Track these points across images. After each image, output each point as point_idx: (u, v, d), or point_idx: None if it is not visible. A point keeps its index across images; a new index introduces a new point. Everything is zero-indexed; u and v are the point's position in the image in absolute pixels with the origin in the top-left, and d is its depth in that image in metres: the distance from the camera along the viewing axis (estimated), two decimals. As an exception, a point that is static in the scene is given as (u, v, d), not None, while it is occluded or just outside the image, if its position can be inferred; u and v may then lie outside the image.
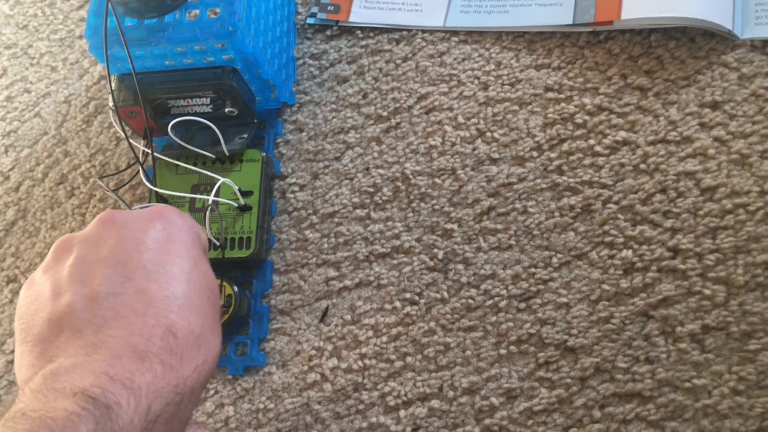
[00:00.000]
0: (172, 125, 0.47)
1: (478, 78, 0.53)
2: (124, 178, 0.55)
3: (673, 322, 0.44)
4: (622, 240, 0.46)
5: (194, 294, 0.32)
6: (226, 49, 0.46)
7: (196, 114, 0.50)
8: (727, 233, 0.45)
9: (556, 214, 0.48)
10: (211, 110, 0.50)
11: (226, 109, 0.49)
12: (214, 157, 0.51)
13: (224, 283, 0.47)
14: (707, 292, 0.44)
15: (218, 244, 0.48)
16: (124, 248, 0.32)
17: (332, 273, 0.49)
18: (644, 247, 0.46)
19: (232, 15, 0.45)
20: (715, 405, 0.42)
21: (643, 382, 0.43)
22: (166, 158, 0.50)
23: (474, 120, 0.51)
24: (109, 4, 0.42)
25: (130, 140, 0.47)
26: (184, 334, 0.30)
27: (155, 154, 0.50)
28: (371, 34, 0.56)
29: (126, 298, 0.30)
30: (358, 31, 0.56)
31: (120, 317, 0.29)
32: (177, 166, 0.51)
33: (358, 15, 0.56)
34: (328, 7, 0.57)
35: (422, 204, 0.50)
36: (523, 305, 0.46)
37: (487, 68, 0.53)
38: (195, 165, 0.51)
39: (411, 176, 0.51)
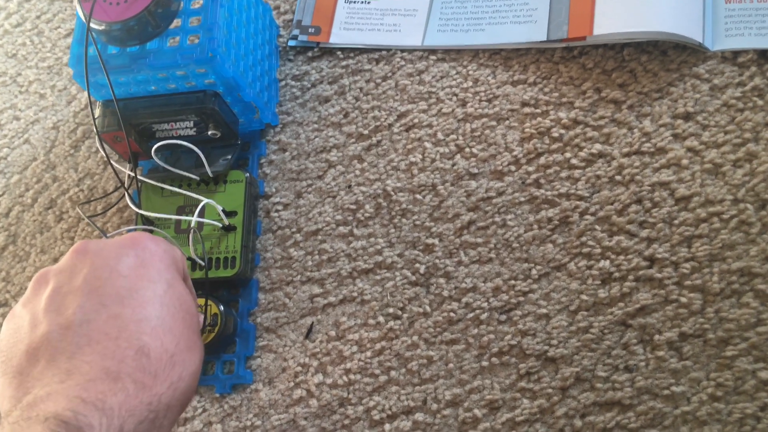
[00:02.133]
0: (156, 149, 0.48)
1: (456, 95, 0.54)
2: (111, 201, 0.56)
3: (651, 331, 0.45)
4: (599, 251, 0.47)
5: (167, 316, 0.33)
6: (206, 73, 0.47)
7: (180, 137, 0.52)
8: (702, 242, 0.46)
9: (535, 226, 0.49)
10: (194, 133, 0.51)
11: (209, 132, 0.50)
12: (198, 178, 0.52)
13: (210, 303, 0.48)
14: (684, 300, 0.45)
15: (202, 264, 0.48)
16: (97, 276, 0.33)
17: (316, 290, 0.50)
18: (621, 257, 0.47)
19: (212, 41, 0.46)
20: (694, 411, 0.42)
21: (623, 391, 0.44)
22: (151, 181, 0.51)
23: (453, 136, 0.52)
24: (90, 34, 0.43)
25: (114, 165, 0.48)
26: (157, 354, 0.31)
27: (140, 177, 0.51)
28: (351, 55, 0.57)
29: (99, 324, 0.31)
30: (339, 52, 0.58)
31: (93, 342, 0.30)
32: (162, 188, 0.52)
33: (339, 36, 0.58)
34: (309, 29, 0.58)
35: (404, 220, 0.51)
36: (503, 317, 0.47)
37: (464, 85, 0.54)
38: (180, 187, 0.52)
39: (392, 193, 0.52)
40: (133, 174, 0.50)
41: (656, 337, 0.44)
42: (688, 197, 0.47)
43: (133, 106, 0.49)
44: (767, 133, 0.48)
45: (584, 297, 0.46)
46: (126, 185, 0.52)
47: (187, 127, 0.51)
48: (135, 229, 0.49)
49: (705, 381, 0.43)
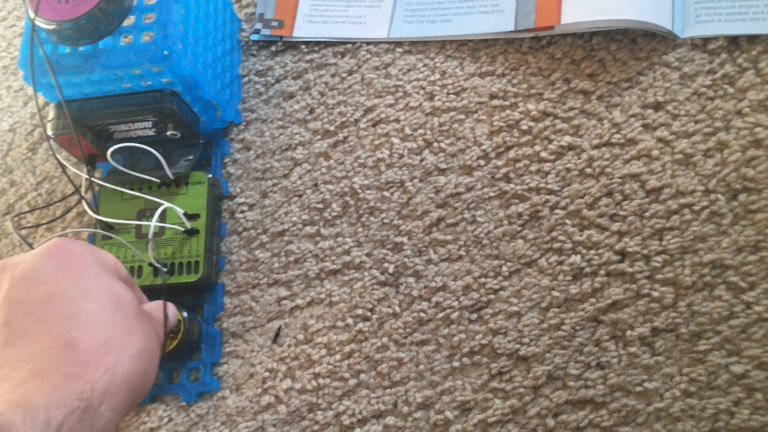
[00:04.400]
0: (112, 152, 0.46)
1: (424, 88, 0.52)
2: (70, 205, 0.54)
3: (623, 326, 0.44)
4: (570, 245, 0.46)
5: (96, 307, 0.33)
6: (163, 72, 0.46)
7: (138, 138, 0.50)
8: (673, 234, 0.45)
9: (505, 222, 0.48)
10: (154, 134, 0.50)
11: (169, 133, 0.49)
12: (159, 181, 0.50)
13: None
14: (655, 294, 0.44)
15: (164, 270, 0.47)
16: (18, 289, 0.33)
17: (284, 292, 0.49)
18: (592, 251, 0.46)
19: (167, 38, 0.44)
20: (668, 408, 0.42)
21: (596, 388, 0.43)
22: (109, 185, 0.49)
23: (421, 131, 0.51)
24: (36, 34, 0.42)
25: (69, 170, 0.46)
26: (86, 344, 0.31)
27: (97, 180, 0.49)
28: (316, 48, 0.56)
29: (25, 332, 0.31)
30: (303, 46, 0.56)
31: (21, 350, 0.31)
32: (122, 192, 0.50)
33: (302, 29, 0.56)
34: (272, 23, 0.57)
35: (371, 218, 0.49)
36: (474, 316, 0.46)
37: (432, 78, 0.53)
38: (140, 190, 0.51)
39: (360, 190, 0.50)
40: (89, 178, 0.48)
41: (628, 332, 0.44)
42: (659, 189, 0.46)
43: (88, 107, 0.48)
44: (738, 121, 0.47)
45: (555, 293, 0.45)
46: (83, 189, 0.50)
47: (145, 128, 0.49)
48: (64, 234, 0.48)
49: (678, 376, 0.42)
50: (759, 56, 0.48)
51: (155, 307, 0.40)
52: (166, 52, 0.44)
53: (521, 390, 0.44)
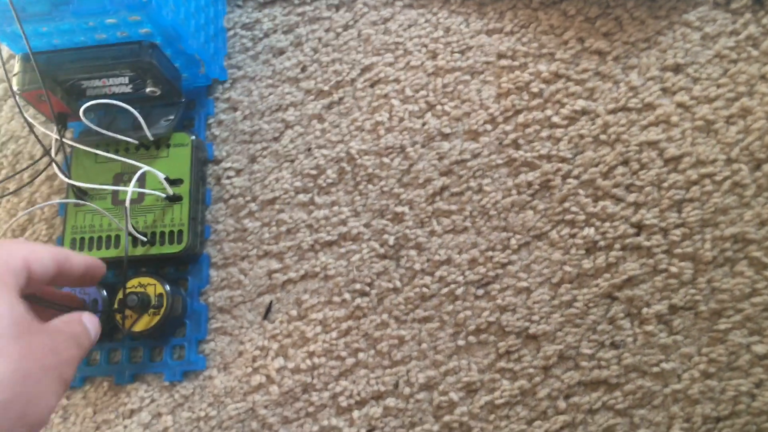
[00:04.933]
0: (85, 109, 0.42)
1: (426, 46, 0.48)
2: (39, 168, 0.49)
3: (639, 303, 0.41)
4: (583, 217, 0.43)
5: None
6: (141, 22, 0.41)
7: (114, 95, 0.46)
8: (693, 206, 0.42)
9: (514, 191, 0.44)
10: (131, 90, 0.45)
11: (148, 89, 0.44)
12: (137, 142, 0.46)
13: (154, 282, 0.43)
14: (674, 269, 0.41)
15: (144, 240, 0.43)
16: None
17: (275, 265, 0.45)
18: (607, 224, 0.43)
19: (146, -17, 0.40)
20: (685, 390, 0.40)
21: (609, 369, 0.40)
22: (82, 146, 0.45)
23: (423, 92, 0.47)
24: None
25: (36, 129, 0.42)
26: None
27: (68, 141, 0.45)
28: (308, 0, 0.51)
29: None
30: (294, -3, 0.51)
31: None
32: (96, 154, 0.46)
33: (293, -21, 0.51)
34: (260, -29, 0.52)
35: (370, 186, 0.46)
36: (481, 292, 0.43)
37: (435, 35, 0.49)
38: (117, 152, 0.47)
39: (357, 156, 0.47)
40: (60, 138, 0.44)
41: (644, 310, 0.41)
42: (678, 158, 0.43)
43: (58, 60, 0.43)
44: (762, 86, 0.44)
45: (567, 268, 0.43)
46: (53, 151, 0.46)
47: (121, 84, 0.45)
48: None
49: (696, 357, 0.40)
50: (785, 17, 0.45)
51: (69, 320, 0.34)
52: (145, -1, 0.40)
53: (531, 370, 0.41)
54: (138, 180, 0.45)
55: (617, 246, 0.42)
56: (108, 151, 0.46)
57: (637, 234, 0.43)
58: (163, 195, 0.44)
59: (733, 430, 0.38)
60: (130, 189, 0.41)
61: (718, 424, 0.39)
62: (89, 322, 0.34)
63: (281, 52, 0.50)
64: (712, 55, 0.45)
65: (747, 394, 0.39)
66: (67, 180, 0.43)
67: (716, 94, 0.44)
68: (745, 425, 0.38)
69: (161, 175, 0.44)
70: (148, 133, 0.45)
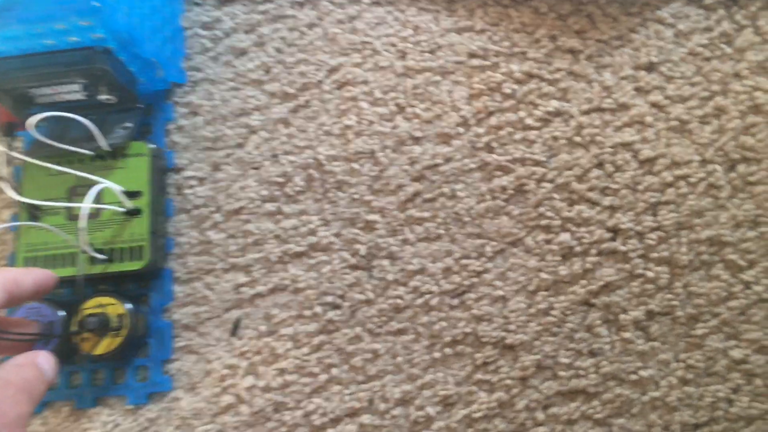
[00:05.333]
0: (32, 121, 0.39)
1: (395, 45, 0.47)
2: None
3: (616, 310, 0.41)
4: (558, 222, 0.42)
5: None
6: (93, 27, 0.39)
7: (66, 103, 0.43)
8: (668, 209, 0.42)
9: (488, 197, 0.43)
10: (84, 98, 0.43)
11: (102, 97, 0.42)
12: (92, 153, 0.43)
13: (114, 301, 0.41)
14: (650, 274, 0.41)
15: (103, 258, 0.41)
16: None
17: (242, 278, 0.43)
18: (582, 228, 0.42)
19: (96, -15, 0.37)
20: (664, 397, 0.39)
21: (588, 378, 0.40)
22: (31, 159, 0.42)
23: (392, 94, 0.46)
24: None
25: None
26: None
27: (17, 155, 0.42)
28: (270, -2, 0.49)
29: None
30: (255, -6, 0.49)
31: None
32: (49, 167, 0.43)
33: (253, -25, 0.49)
34: (218, -33, 0.49)
35: (339, 193, 0.44)
36: (456, 302, 0.42)
37: (403, 34, 0.47)
38: (71, 164, 0.44)
39: (325, 162, 0.45)
40: (8, 151, 0.41)
41: (621, 316, 0.40)
42: (653, 159, 0.43)
43: (3, 67, 0.40)
44: (736, 85, 0.43)
45: (543, 275, 0.42)
46: (2, 165, 0.43)
47: (73, 92, 0.42)
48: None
49: (674, 363, 0.40)
50: (758, 13, 0.44)
51: (20, 363, 0.30)
52: (96, 3, 0.37)
53: (508, 381, 0.40)
54: (95, 194, 0.42)
55: (593, 251, 0.42)
56: (61, 163, 0.43)
57: (613, 239, 0.42)
58: (122, 209, 0.42)
59: (712, 438, 0.38)
60: (86, 205, 0.38)
61: (696, 431, 0.39)
62: (45, 362, 0.31)
63: (243, 52, 0.48)
64: (685, 52, 0.44)
65: (725, 399, 0.39)
66: (16, 197, 0.41)
67: (690, 93, 0.43)
68: (724, 431, 0.38)
69: (118, 188, 0.42)
70: (104, 143, 0.42)
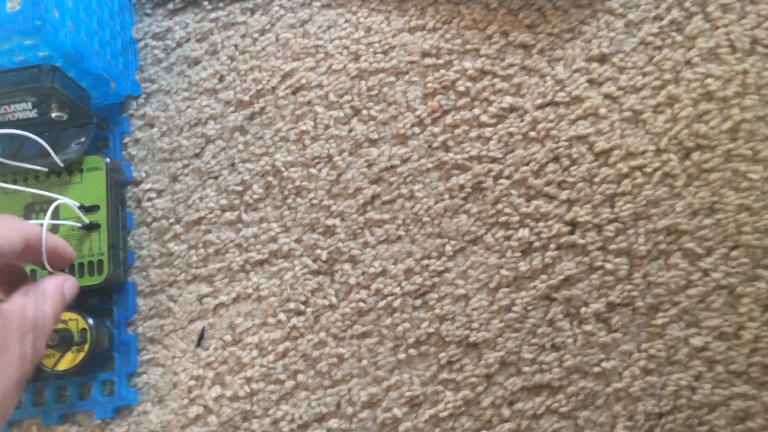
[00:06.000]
0: (-17, 141, 0.39)
1: (347, 48, 0.47)
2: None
3: (577, 303, 0.41)
4: (517, 218, 0.42)
5: None
6: (37, 45, 0.38)
7: (18, 121, 0.43)
8: (625, 200, 0.42)
9: (446, 196, 0.43)
10: (36, 116, 0.42)
11: (53, 114, 0.42)
12: (47, 170, 0.43)
13: (76, 317, 0.41)
14: (609, 266, 0.41)
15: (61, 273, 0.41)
16: None
17: (205, 289, 0.43)
18: (541, 223, 0.42)
19: (37, 6, 0.37)
20: (627, 388, 0.39)
21: (551, 372, 0.40)
22: (-16, 180, 0.42)
23: (347, 97, 0.46)
24: None
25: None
26: None
27: (-30, 176, 0.42)
28: (221, 5, 0.48)
29: None
30: (206, 2, 0.49)
31: None
32: (4, 186, 0.43)
33: (204, -17, 0.49)
34: (168, -24, 0.49)
35: (299, 199, 0.44)
36: (419, 302, 0.42)
37: (356, 36, 0.47)
38: (26, 181, 0.44)
39: (283, 168, 0.45)
40: (-40, 173, 0.41)
41: (583, 309, 0.41)
42: (608, 151, 0.43)
43: (-49, 88, 0.40)
44: (688, 72, 0.43)
45: (504, 272, 0.42)
46: (-45, 186, 0.43)
47: (25, 110, 0.42)
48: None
49: (636, 353, 0.40)
50: None
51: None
52: (38, 23, 0.37)
53: (473, 379, 0.40)
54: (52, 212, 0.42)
55: (552, 246, 0.42)
56: (17, 181, 0.43)
57: (572, 232, 0.42)
58: (79, 224, 0.42)
59: (675, 425, 0.39)
60: (45, 221, 0.38)
61: (660, 420, 0.39)
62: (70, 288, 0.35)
63: (196, 62, 0.48)
64: (636, 42, 0.44)
65: (687, 387, 0.39)
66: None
67: (642, 83, 0.44)
68: (687, 419, 0.39)
69: (74, 204, 0.41)
70: (57, 160, 0.42)
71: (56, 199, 0.42)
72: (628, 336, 0.40)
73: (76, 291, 0.36)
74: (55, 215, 0.42)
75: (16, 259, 0.33)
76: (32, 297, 0.33)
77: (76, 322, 0.41)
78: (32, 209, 0.43)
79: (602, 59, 0.44)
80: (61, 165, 0.43)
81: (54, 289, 0.34)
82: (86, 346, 0.40)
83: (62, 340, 0.39)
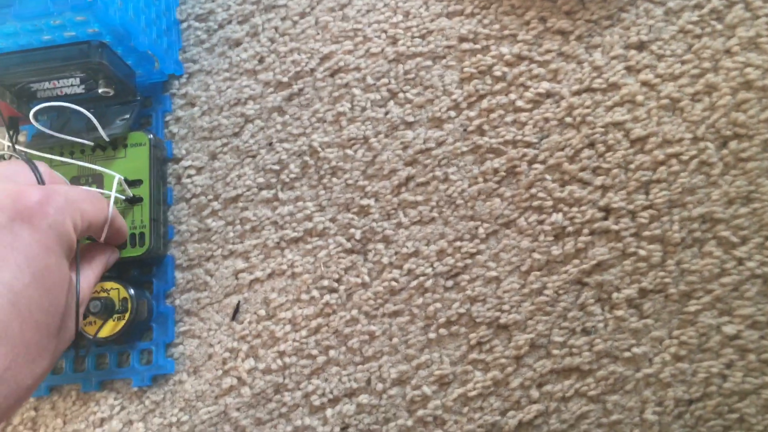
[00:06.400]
0: (35, 113, 0.41)
1: (386, 31, 0.47)
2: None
3: (609, 288, 0.41)
4: (550, 203, 0.43)
5: (12, 316, 0.26)
6: (88, 21, 0.40)
7: (66, 96, 0.44)
8: (660, 187, 0.42)
9: (480, 179, 0.44)
10: (83, 91, 0.44)
11: (100, 90, 0.43)
12: (92, 144, 0.45)
13: (118, 286, 0.42)
14: (642, 252, 0.41)
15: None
16: None
17: (241, 264, 0.44)
18: (574, 209, 0.42)
19: (89, -20, 0.38)
20: (657, 373, 0.40)
21: (581, 356, 0.40)
22: (34, 151, 0.43)
23: (384, 80, 0.46)
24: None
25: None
26: None
27: (21, 148, 0.43)
28: (263, -12, 0.49)
29: None
30: (249, -15, 0.50)
31: None
32: (51, 158, 0.44)
33: (247, -34, 0.50)
34: (212, -41, 0.50)
35: (334, 179, 0.45)
36: (450, 283, 0.43)
37: (394, 20, 0.47)
38: (72, 154, 0.45)
39: (319, 149, 0.45)
40: (12, 144, 0.43)
41: (614, 295, 0.41)
42: (644, 138, 0.43)
43: (4, 63, 0.41)
44: (727, 61, 0.43)
45: (536, 255, 0.42)
46: (6, 158, 0.44)
47: (73, 85, 0.43)
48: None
49: (667, 340, 0.40)
50: (749, -11, 0.44)
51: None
52: (90, -2, 0.38)
53: (503, 361, 0.41)
54: (95, 183, 0.44)
55: (585, 231, 0.42)
56: (63, 154, 0.45)
57: (605, 218, 0.42)
58: (123, 197, 0.43)
59: (705, 412, 0.39)
60: (112, 197, 0.39)
61: (690, 407, 0.39)
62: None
63: (237, 43, 0.49)
64: (675, 30, 0.44)
65: (718, 375, 0.39)
66: (34, 172, 0.42)
67: (681, 71, 0.43)
68: (717, 406, 0.39)
69: (120, 177, 0.43)
70: (103, 134, 0.43)
71: (101, 173, 0.43)
72: (660, 322, 0.40)
73: (114, 262, 0.39)
74: (101, 188, 0.43)
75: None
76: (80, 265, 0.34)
77: (117, 291, 0.42)
78: (77, 182, 0.45)
79: (640, 46, 0.44)
80: (107, 140, 0.44)
81: (100, 260, 0.36)
82: (127, 315, 0.41)
83: (104, 308, 0.41)
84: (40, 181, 0.34)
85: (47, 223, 0.29)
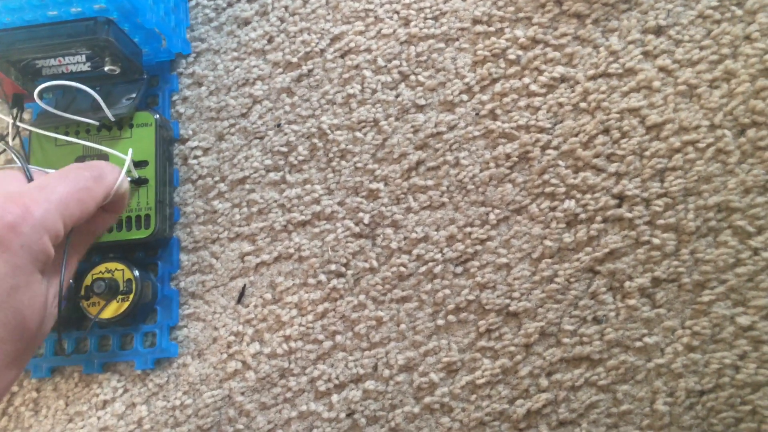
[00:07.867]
0: (39, 91, 0.40)
1: (398, 12, 0.46)
2: (-2, 153, 0.47)
3: (621, 277, 0.40)
4: (563, 189, 0.42)
5: None
6: (94, -4, 0.39)
7: (71, 74, 0.43)
8: (675, 175, 0.41)
9: (491, 164, 0.43)
10: (89, 69, 0.43)
11: (106, 68, 0.42)
12: (98, 123, 0.44)
13: (122, 267, 0.41)
14: (656, 241, 0.40)
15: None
16: None
17: (247, 247, 0.44)
18: (587, 195, 0.42)
19: (95, -45, 0.37)
20: (669, 364, 0.39)
21: (592, 345, 0.40)
22: (38, 130, 0.42)
23: (396, 62, 0.45)
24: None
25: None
26: None
27: (25, 125, 0.42)
28: (273, -33, 0.49)
29: None
30: (258, -36, 0.49)
31: None
32: (56, 137, 0.44)
33: (257, -56, 0.49)
34: (221, -63, 0.49)
35: (343, 162, 0.44)
36: (459, 269, 0.42)
37: (406, 1, 0.46)
38: (77, 134, 0.44)
39: (329, 131, 0.45)
40: (16, 122, 0.42)
41: (627, 283, 0.40)
42: (660, 125, 0.42)
43: (9, 39, 0.41)
44: (747, 48, 0.42)
45: (548, 243, 0.41)
46: (10, 136, 0.43)
47: (78, 63, 0.43)
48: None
49: (680, 330, 0.39)
50: (771, -27, 0.43)
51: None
52: (95, -28, 0.37)
53: (512, 348, 0.40)
54: (100, 163, 0.43)
55: (598, 218, 0.41)
56: (68, 133, 0.44)
57: (619, 205, 0.41)
58: (128, 178, 0.42)
59: (717, 404, 0.38)
60: (123, 168, 0.39)
61: (701, 398, 0.38)
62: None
63: (246, 22, 0.48)
64: (694, 15, 0.43)
65: (731, 366, 0.38)
66: (23, 165, 0.41)
67: (699, 56, 0.43)
68: (729, 398, 0.38)
69: (125, 158, 0.42)
70: (109, 114, 0.43)
71: (106, 153, 0.42)
72: (673, 312, 0.40)
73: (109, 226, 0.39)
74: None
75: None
76: None
77: (122, 272, 0.41)
78: (82, 161, 0.44)
79: (658, 31, 0.44)
80: (112, 119, 0.43)
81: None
82: (131, 296, 0.41)
83: (108, 289, 0.40)
84: (30, 178, 0.33)
85: (19, 244, 0.28)
